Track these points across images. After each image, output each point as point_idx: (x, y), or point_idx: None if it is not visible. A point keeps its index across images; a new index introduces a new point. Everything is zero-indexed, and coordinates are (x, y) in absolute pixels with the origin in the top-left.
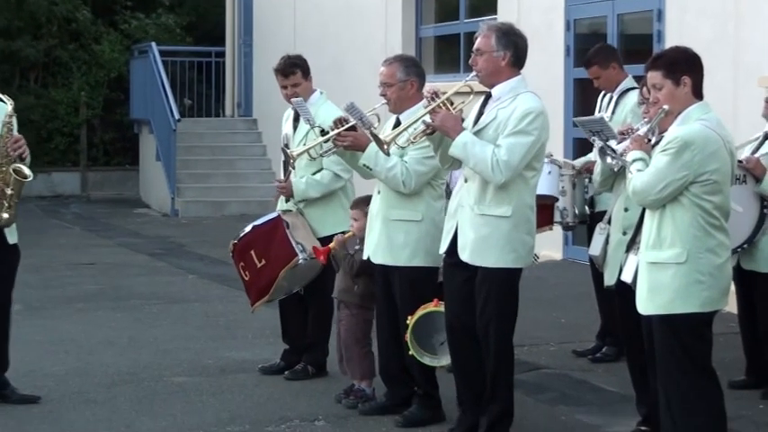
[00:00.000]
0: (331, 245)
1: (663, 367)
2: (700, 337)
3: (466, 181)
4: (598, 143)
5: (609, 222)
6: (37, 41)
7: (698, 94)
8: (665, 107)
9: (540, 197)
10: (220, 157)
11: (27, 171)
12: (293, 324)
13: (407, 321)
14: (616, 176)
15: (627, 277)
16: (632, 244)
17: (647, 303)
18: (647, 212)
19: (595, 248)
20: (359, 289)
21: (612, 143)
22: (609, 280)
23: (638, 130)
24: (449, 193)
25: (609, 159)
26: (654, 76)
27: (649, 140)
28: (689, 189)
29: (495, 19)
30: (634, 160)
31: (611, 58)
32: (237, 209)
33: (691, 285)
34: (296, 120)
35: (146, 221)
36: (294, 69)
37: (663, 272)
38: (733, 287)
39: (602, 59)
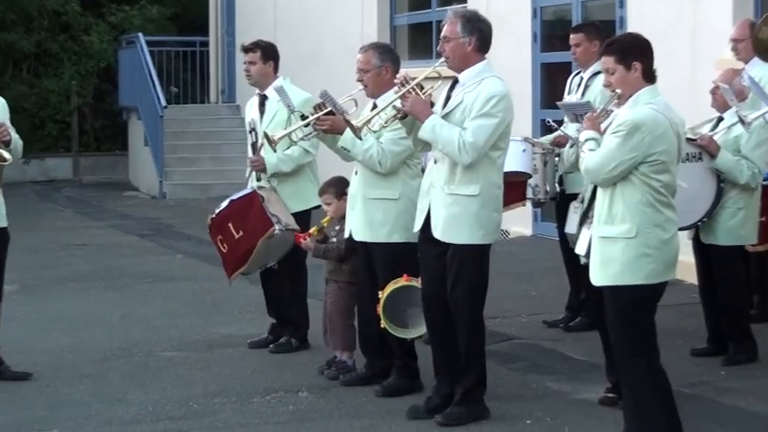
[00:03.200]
0: (312, 230)
1: (612, 336)
2: (644, 308)
3: (435, 162)
4: (573, 125)
5: (582, 201)
6: (29, 33)
7: (648, 78)
8: (617, 90)
9: (514, 174)
10: (206, 141)
11: (6, 155)
12: (276, 298)
13: (379, 296)
14: None
15: (581, 250)
16: (585, 218)
17: (598, 275)
18: (599, 190)
19: (571, 226)
20: (347, 267)
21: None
22: (576, 247)
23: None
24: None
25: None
26: (607, 61)
27: (608, 114)
28: (638, 168)
29: (465, 7)
30: (587, 140)
31: (599, 36)
32: (222, 191)
33: (639, 258)
34: (261, 105)
35: (135, 204)
36: (255, 49)
37: (613, 245)
38: (692, 259)
39: (590, 31)
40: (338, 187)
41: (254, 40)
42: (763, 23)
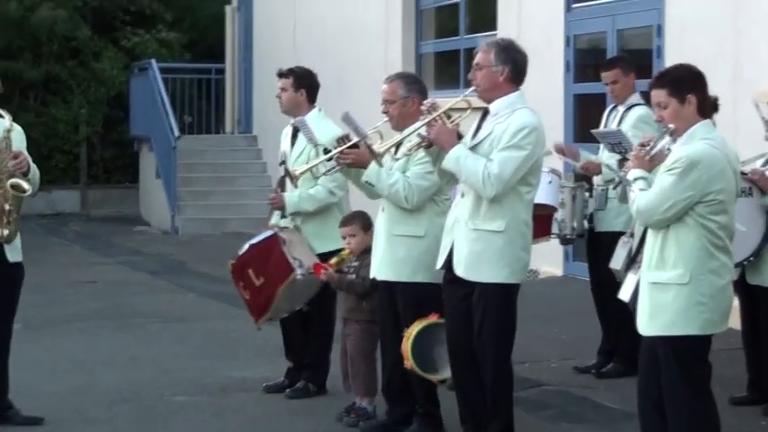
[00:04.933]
0: (326, 277)
1: (665, 388)
2: (699, 360)
3: (462, 196)
4: (614, 156)
5: (632, 236)
6: (37, 59)
7: (703, 112)
8: (670, 126)
9: (539, 206)
10: (220, 174)
11: (26, 185)
12: (296, 341)
13: (406, 333)
14: None
15: (624, 296)
16: (632, 263)
17: (648, 324)
18: (650, 232)
19: (617, 261)
20: (368, 305)
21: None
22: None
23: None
24: None
25: None
26: (658, 95)
27: (659, 154)
28: (694, 209)
29: (495, 35)
30: (636, 179)
31: (632, 68)
32: (238, 226)
33: (692, 307)
34: (294, 137)
35: (146, 239)
36: (288, 75)
37: (665, 293)
38: (736, 302)
39: (625, 65)
40: (365, 220)
41: (289, 67)
42: None
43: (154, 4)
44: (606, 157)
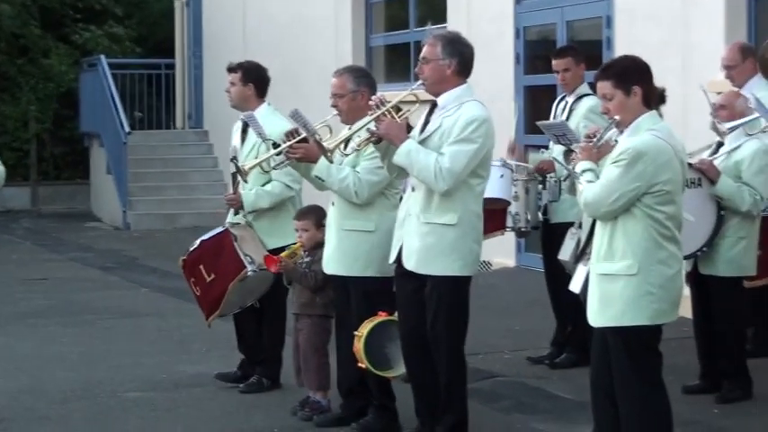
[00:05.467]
0: (281, 266)
1: (617, 378)
2: (650, 350)
3: (413, 190)
4: (560, 147)
5: (580, 227)
6: None
7: (648, 103)
8: (616, 117)
9: (492, 201)
10: (172, 169)
11: None
12: (249, 335)
13: (357, 333)
14: None
15: (575, 287)
16: (582, 255)
17: (597, 315)
18: (599, 224)
19: (565, 253)
20: (321, 299)
21: (577, 147)
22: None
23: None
24: None
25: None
26: (603, 86)
27: (605, 145)
28: (641, 200)
29: (445, 27)
30: (583, 171)
31: (583, 58)
32: (190, 221)
33: (641, 297)
34: (244, 132)
35: (97, 235)
36: (236, 69)
37: (613, 283)
38: (687, 291)
39: (576, 54)
40: (318, 216)
41: (239, 61)
42: None
43: None
44: (557, 151)
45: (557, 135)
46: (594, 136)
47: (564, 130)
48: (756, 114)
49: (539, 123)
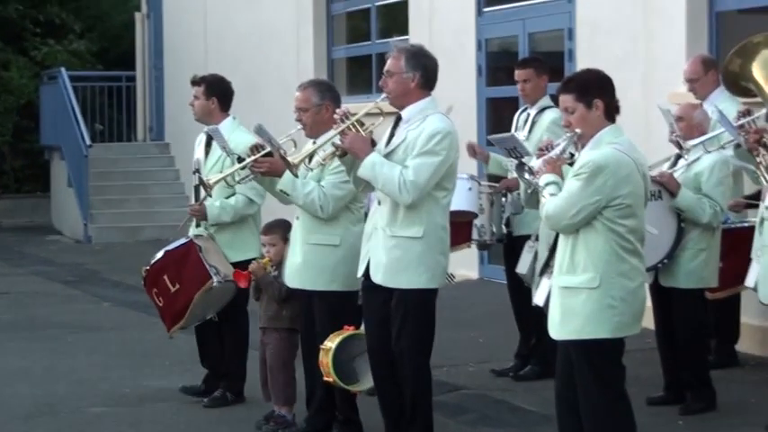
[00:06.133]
0: (251, 269)
1: (580, 391)
2: (612, 363)
3: (379, 203)
4: (513, 161)
5: (537, 239)
6: None
7: (610, 116)
8: (577, 131)
9: (459, 213)
10: (133, 182)
11: None
12: (211, 349)
13: (324, 347)
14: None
15: (539, 300)
16: (546, 268)
17: (559, 329)
18: (561, 237)
19: (523, 266)
20: (287, 313)
21: (529, 160)
22: (534, 297)
23: (557, 145)
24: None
25: (526, 176)
26: (566, 100)
27: (571, 156)
28: (602, 213)
29: (407, 39)
30: (547, 184)
31: (546, 71)
32: (152, 234)
33: (603, 311)
34: (207, 145)
35: (59, 249)
36: (200, 83)
37: (575, 297)
38: (650, 303)
39: (539, 66)
40: (285, 230)
41: (202, 75)
42: (734, 55)
43: (63, 13)
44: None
45: (507, 149)
46: (548, 148)
47: (515, 144)
48: (717, 131)
49: (490, 137)
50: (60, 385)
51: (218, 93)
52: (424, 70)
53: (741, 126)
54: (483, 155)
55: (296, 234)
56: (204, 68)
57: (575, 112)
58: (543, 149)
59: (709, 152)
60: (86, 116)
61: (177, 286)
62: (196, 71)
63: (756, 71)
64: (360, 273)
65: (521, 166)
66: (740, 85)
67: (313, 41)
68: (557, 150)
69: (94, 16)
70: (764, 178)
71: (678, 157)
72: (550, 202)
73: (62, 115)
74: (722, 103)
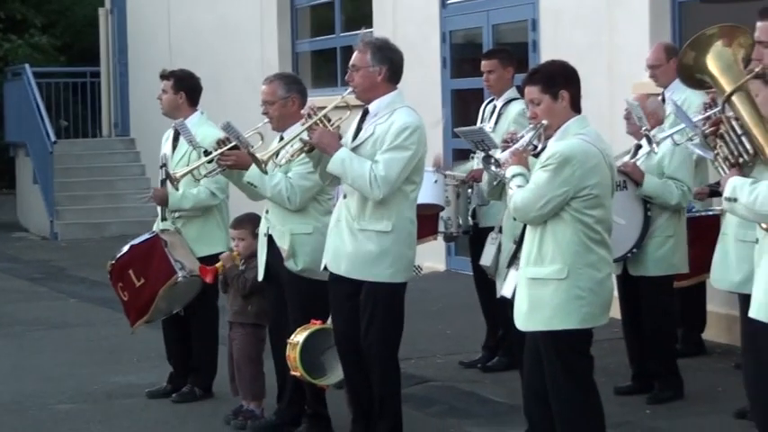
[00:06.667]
0: (219, 264)
1: (549, 381)
2: (580, 353)
3: (345, 197)
4: (480, 153)
5: (500, 231)
6: None
7: (576, 107)
8: (544, 122)
9: (425, 206)
10: (99, 177)
11: None
12: (177, 345)
13: (291, 341)
14: (504, 186)
15: (507, 292)
16: (513, 259)
17: (527, 319)
18: (529, 228)
19: (487, 258)
20: (253, 308)
21: (495, 152)
22: (501, 290)
23: (521, 137)
24: None
25: (493, 168)
26: (531, 91)
27: (535, 148)
28: (570, 204)
29: (371, 32)
30: (513, 175)
31: (512, 62)
32: (118, 229)
33: (571, 301)
34: (175, 140)
35: (25, 245)
36: (169, 77)
37: (543, 288)
38: (617, 293)
39: (504, 57)
40: (255, 224)
41: (171, 69)
42: (688, 48)
43: (24, 8)
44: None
45: (475, 141)
46: (512, 140)
47: (482, 136)
48: (681, 125)
49: (457, 130)
50: (27, 383)
51: (186, 88)
52: (391, 64)
53: (708, 117)
54: (445, 169)
55: (264, 228)
56: (169, 63)
57: (540, 104)
58: (508, 141)
59: (678, 145)
60: (51, 112)
61: (142, 281)
62: (161, 66)
63: (711, 63)
64: (323, 265)
65: (487, 158)
66: (695, 77)
67: (277, 35)
68: (522, 142)
69: (57, 11)
70: (722, 169)
71: (638, 147)
72: (518, 194)
73: (26, 112)
74: (684, 92)
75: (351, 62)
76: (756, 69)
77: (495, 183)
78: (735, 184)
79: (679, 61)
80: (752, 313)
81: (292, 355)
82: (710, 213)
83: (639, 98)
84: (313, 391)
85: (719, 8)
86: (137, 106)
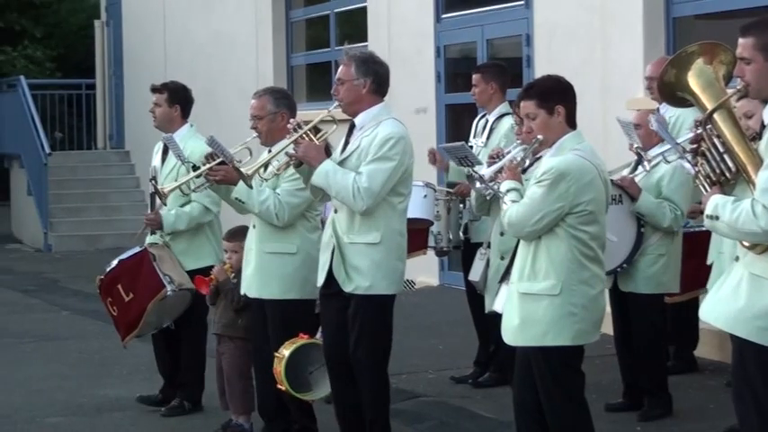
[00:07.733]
0: (213, 275)
1: (542, 396)
2: (571, 370)
3: (336, 212)
4: (465, 170)
5: (489, 247)
6: None
7: (571, 123)
8: (539, 137)
9: (415, 221)
10: (93, 190)
11: None
12: (168, 358)
13: (278, 355)
14: (492, 201)
15: (498, 307)
16: (507, 275)
17: (517, 335)
18: (522, 243)
19: (476, 274)
20: (243, 322)
21: (480, 168)
22: (490, 305)
23: (508, 153)
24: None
25: (477, 184)
26: (527, 106)
27: (525, 169)
28: (564, 220)
29: (366, 46)
30: (508, 190)
31: (496, 78)
32: (112, 242)
33: (564, 318)
34: (164, 153)
35: (18, 257)
36: (162, 90)
37: (536, 303)
38: (609, 309)
39: (487, 72)
40: None
41: (164, 82)
42: (669, 65)
43: (22, 20)
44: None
45: (458, 157)
46: (498, 156)
47: (465, 153)
48: (673, 142)
49: (440, 147)
50: (17, 395)
51: (180, 100)
52: (376, 76)
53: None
54: (442, 163)
55: (251, 243)
56: (164, 76)
57: (536, 119)
58: (494, 157)
59: (669, 162)
60: (46, 124)
61: (131, 296)
62: (156, 78)
63: (692, 81)
64: (320, 282)
65: (471, 176)
66: (677, 96)
67: (272, 48)
68: (509, 157)
69: (53, 23)
70: (703, 187)
71: (638, 162)
72: (512, 209)
73: (21, 123)
74: (678, 108)
75: (336, 76)
76: (738, 87)
77: (482, 199)
78: (717, 202)
79: (660, 79)
80: (727, 328)
81: (278, 368)
82: (704, 229)
83: (642, 116)
84: (299, 405)
85: (714, 24)
86: (132, 118)
